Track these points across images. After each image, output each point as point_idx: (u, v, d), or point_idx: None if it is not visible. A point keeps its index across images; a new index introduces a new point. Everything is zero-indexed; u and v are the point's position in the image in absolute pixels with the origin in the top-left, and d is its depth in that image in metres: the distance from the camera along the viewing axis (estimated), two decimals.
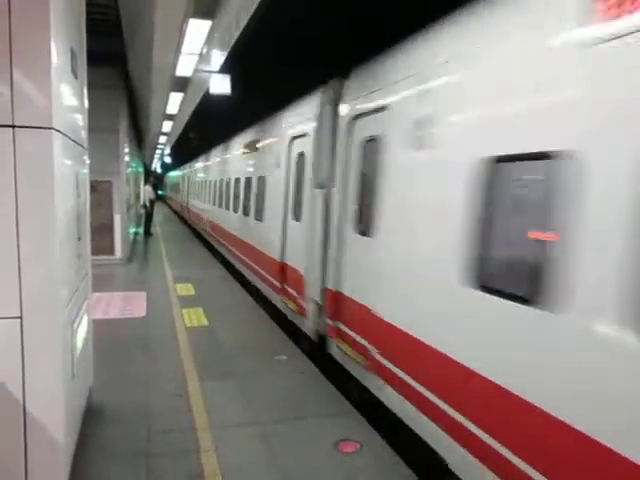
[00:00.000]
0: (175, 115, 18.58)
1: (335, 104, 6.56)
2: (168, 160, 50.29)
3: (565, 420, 2.92)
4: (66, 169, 3.79)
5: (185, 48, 8.73)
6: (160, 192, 48.01)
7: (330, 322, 6.44)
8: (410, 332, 4.56)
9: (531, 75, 3.34)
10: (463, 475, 3.89)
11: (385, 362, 4.99)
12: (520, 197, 3.54)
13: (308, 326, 7.22)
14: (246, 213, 11.86)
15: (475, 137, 3.84)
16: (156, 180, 31.57)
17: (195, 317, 8.66)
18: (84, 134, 4.84)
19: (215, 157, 19.21)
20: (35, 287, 3.34)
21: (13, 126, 3.20)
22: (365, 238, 5.59)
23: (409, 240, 4.73)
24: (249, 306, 9.81)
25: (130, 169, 17.29)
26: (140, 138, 26.36)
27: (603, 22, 2.77)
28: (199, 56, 9.28)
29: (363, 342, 5.52)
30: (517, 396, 3.31)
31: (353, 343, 5.82)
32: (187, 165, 33.59)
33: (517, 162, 3.42)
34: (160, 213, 34.27)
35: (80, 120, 4.63)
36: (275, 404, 5.43)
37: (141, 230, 21.84)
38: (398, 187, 4.95)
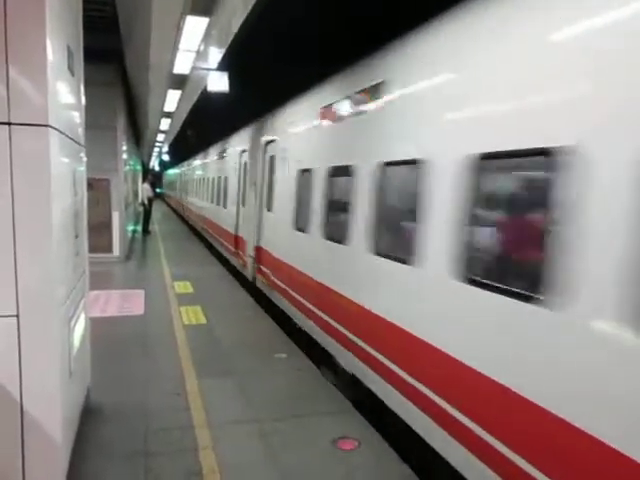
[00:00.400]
0: (173, 113, 18.53)
1: (260, 133, 10.71)
2: (166, 158, 50.17)
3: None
4: (63, 166, 3.78)
5: (182, 45, 8.70)
6: (158, 190, 48.02)
7: (256, 266, 10.41)
8: (280, 257, 8.68)
9: (309, 140, 7.56)
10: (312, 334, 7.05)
11: (274, 279, 9.06)
12: (306, 187, 7.23)
13: (247, 272, 11.39)
14: (217, 203, 16.24)
15: (295, 160, 7.94)
16: (154, 178, 31.51)
17: (193, 315, 8.65)
18: (81, 131, 4.81)
19: (198, 161, 24.62)
20: (32, 285, 3.32)
21: (9, 123, 3.17)
22: (269, 212, 9.54)
23: (281, 210, 8.68)
24: (247, 304, 9.81)
25: (128, 167, 17.25)
26: (138, 136, 26.31)
27: (320, 119, 6.88)
28: (196, 53, 9.25)
29: (267, 271, 9.54)
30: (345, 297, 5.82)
31: (265, 274, 9.73)
32: (182, 164, 35.65)
33: (305, 173, 7.35)
34: (158, 211, 34.22)
35: (77, 117, 4.61)
36: (274, 402, 5.43)
37: (139, 228, 21.81)
38: (278, 182, 9.01)
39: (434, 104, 4.33)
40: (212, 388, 5.70)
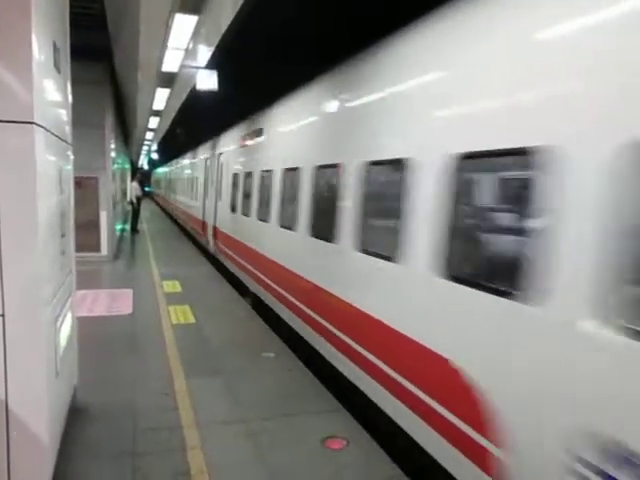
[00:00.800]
0: (162, 111, 18.45)
1: (216, 146, 15.29)
2: (155, 156, 49.89)
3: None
4: (49, 165, 3.74)
5: (171, 43, 8.65)
6: (147, 188, 47.82)
7: (214, 241, 14.40)
8: (224, 231, 12.96)
9: (237, 154, 12.21)
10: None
11: (222, 246, 13.26)
12: (235, 184, 11.78)
13: (209, 247, 15.36)
14: (191, 197, 20.56)
15: (231, 168, 12.56)
16: (143, 177, 31.34)
17: (182, 314, 8.62)
18: (68, 129, 4.77)
19: (179, 164, 29.43)
20: (18, 284, 3.29)
21: None
22: (220, 202, 13.65)
23: (224, 200, 12.97)
24: (236, 303, 9.78)
25: (116, 165, 17.15)
26: (127, 134, 26.14)
27: (241, 145, 11.73)
28: (185, 51, 9.21)
29: (218, 242, 13.72)
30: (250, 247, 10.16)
31: (217, 245, 13.93)
32: (169, 164, 36.86)
33: (235, 175, 11.85)
34: (147, 210, 34.04)
35: (64, 115, 4.57)
36: (262, 401, 5.42)
37: (128, 227, 21.69)
38: (223, 181, 13.31)
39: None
40: (200, 388, 5.68)
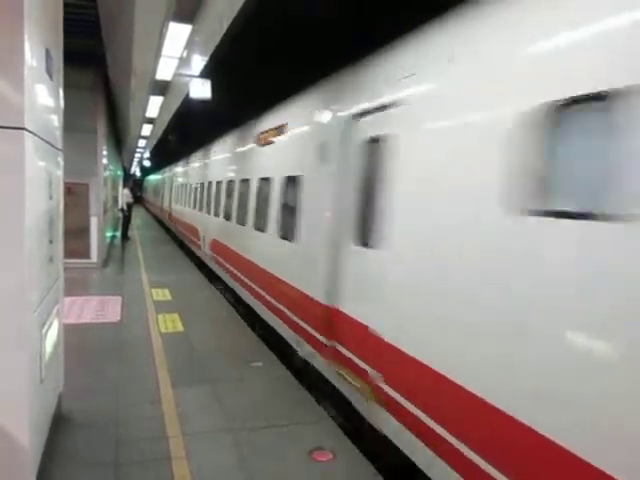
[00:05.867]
0: (155, 119, 18.44)
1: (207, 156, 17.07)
2: (147, 164, 49.66)
3: None
4: (38, 170, 3.73)
5: (165, 51, 8.67)
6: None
7: (210, 252, 13.88)
8: (189, 221, 18.12)
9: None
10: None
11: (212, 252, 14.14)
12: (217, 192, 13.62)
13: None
14: (177, 203, 22.20)
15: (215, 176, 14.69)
16: (134, 184, 31.28)
17: (170, 323, 8.57)
18: (59, 135, 4.76)
19: (165, 176, 31.06)
20: (3, 290, 3.26)
21: None
22: (230, 223, 11.80)
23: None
24: (225, 312, 9.75)
25: (108, 172, 17.10)
26: (119, 141, 26.09)
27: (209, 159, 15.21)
28: (179, 60, 9.23)
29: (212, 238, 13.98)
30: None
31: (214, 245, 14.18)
32: (164, 170, 34.41)
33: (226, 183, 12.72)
34: (137, 217, 33.91)
35: (55, 121, 4.56)
36: (249, 411, 5.39)
37: (118, 234, 21.60)
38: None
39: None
40: (187, 397, 5.64)
